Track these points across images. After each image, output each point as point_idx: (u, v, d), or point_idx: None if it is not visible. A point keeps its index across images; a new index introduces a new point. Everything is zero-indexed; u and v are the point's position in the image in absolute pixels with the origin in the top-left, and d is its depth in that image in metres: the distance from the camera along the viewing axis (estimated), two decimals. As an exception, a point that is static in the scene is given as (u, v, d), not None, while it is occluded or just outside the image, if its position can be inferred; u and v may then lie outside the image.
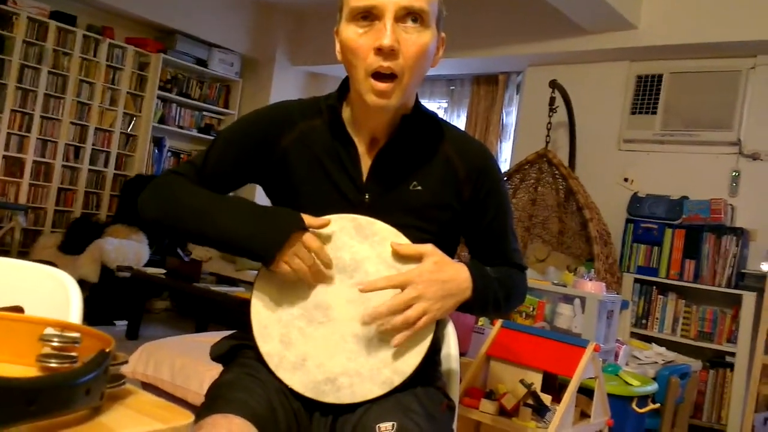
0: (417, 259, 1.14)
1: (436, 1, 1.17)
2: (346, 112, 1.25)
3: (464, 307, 1.19)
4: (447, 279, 1.14)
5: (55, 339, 0.74)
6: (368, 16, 1.12)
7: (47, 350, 0.75)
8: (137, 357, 2.59)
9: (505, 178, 4.54)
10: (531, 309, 2.71)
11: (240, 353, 1.24)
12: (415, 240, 1.16)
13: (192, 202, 1.17)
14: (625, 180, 4.51)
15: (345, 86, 1.26)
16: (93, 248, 4.79)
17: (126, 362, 0.71)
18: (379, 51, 1.10)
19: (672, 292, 4.10)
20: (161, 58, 5.83)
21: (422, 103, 1.27)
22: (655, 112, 4.43)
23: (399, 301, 1.11)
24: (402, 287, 1.12)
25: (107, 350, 0.67)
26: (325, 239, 1.15)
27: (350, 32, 1.14)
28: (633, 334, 3.95)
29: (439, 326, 1.29)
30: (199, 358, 2.39)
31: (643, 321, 4.14)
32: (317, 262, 1.12)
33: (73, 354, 0.75)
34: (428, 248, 1.15)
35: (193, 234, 1.17)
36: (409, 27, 1.12)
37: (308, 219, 1.13)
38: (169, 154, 6.23)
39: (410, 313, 1.10)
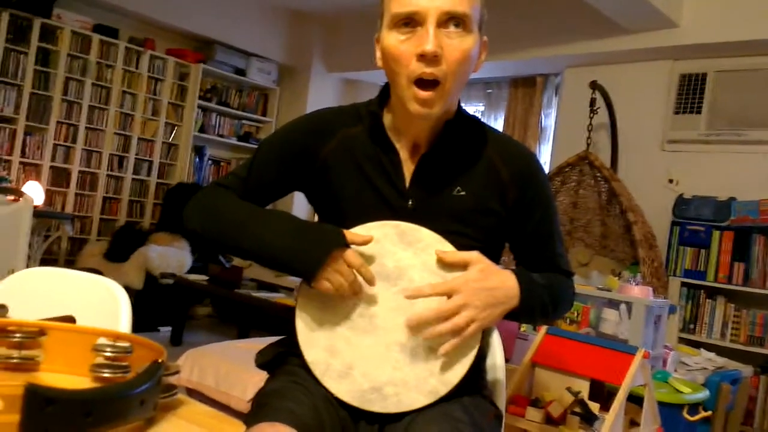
0: (462, 266, 1.13)
1: (478, 5, 1.15)
2: (387, 119, 1.24)
3: (511, 315, 1.16)
4: (493, 287, 1.12)
5: (108, 349, 0.75)
6: (410, 22, 1.11)
7: (100, 360, 0.76)
8: (182, 363, 2.63)
9: (546, 181, 4.48)
10: (575, 315, 2.66)
11: (286, 361, 1.24)
12: (459, 246, 1.14)
13: (235, 217, 1.18)
14: (670, 181, 4.41)
15: (385, 92, 1.25)
16: (137, 256, 4.88)
17: (178, 372, 0.71)
18: (422, 57, 1.09)
19: (721, 295, 3.99)
20: (201, 68, 5.93)
21: (464, 107, 1.26)
22: (699, 112, 4.33)
23: (445, 308, 1.09)
24: (448, 295, 1.10)
25: (160, 360, 0.67)
26: (368, 255, 1.14)
27: (392, 39, 1.13)
28: (681, 340, 3.86)
29: (484, 335, 1.27)
30: (243, 364, 2.41)
31: (691, 326, 4.04)
32: (359, 278, 1.11)
33: (126, 364, 0.76)
34: (474, 255, 1.13)
35: (235, 248, 1.18)
36: (452, 32, 1.11)
37: (350, 235, 1.11)
38: (210, 162, 6.32)
39: (458, 321, 1.09)
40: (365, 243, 1.12)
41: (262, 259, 1.15)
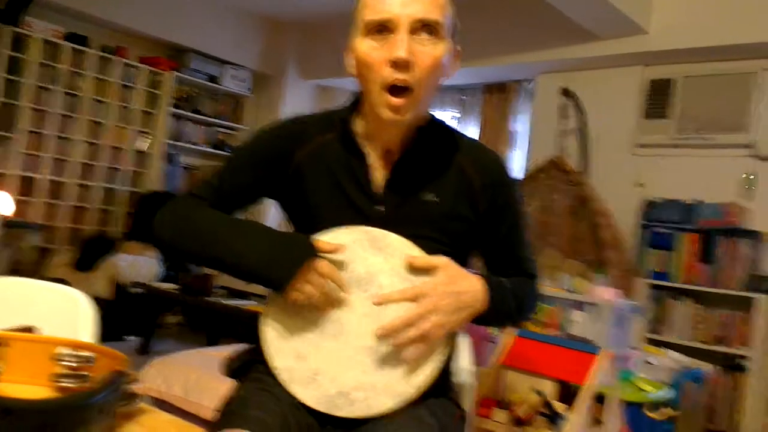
0: (431, 271, 1.14)
1: (450, 13, 1.17)
2: (359, 125, 1.25)
3: (479, 319, 1.18)
4: (461, 291, 1.14)
5: (69, 359, 0.75)
6: (383, 29, 1.12)
7: (61, 370, 0.76)
8: (148, 373, 2.58)
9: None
10: (544, 317, 2.70)
11: (253, 368, 1.24)
12: (430, 251, 1.15)
13: (206, 227, 1.17)
14: (639, 185, 4.48)
15: (357, 99, 1.26)
16: (106, 265, 4.82)
17: (136, 380, 0.72)
18: (394, 64, 1.10)
19: (686, 296, 4.06)
20: (174, 76, 5.89)
21: (435, 114, 1.27)
22: (668, 117, 4.40)
23: (413, 315, 1.10)
24: (416, 300, 1.11)
25: (120, 369, 0.68)
26: (339, 261, 1.15)
27: (365, 46, 1.14)
28: (647, 340, 3.91)
29: (452, 338, 1.28)
30: (212, 372, 2.37)
31: (657, 326, 4.10)
32: (331, 285, 1.11)
33: (86, 373, 0.76)
34: (442, 260, 1.14)
35: (206, 259, 1.17)
36: (424, 39, 1.12)
37: (321, 244, 1.12)
38: (183, 170, 6.27)
39: (424, 326, 1.10)
40: (335, 251, 1.13)
41: (233, 270, 1.15)
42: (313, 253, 1.11)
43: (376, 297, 1.13)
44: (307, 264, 1.10)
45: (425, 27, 1.12)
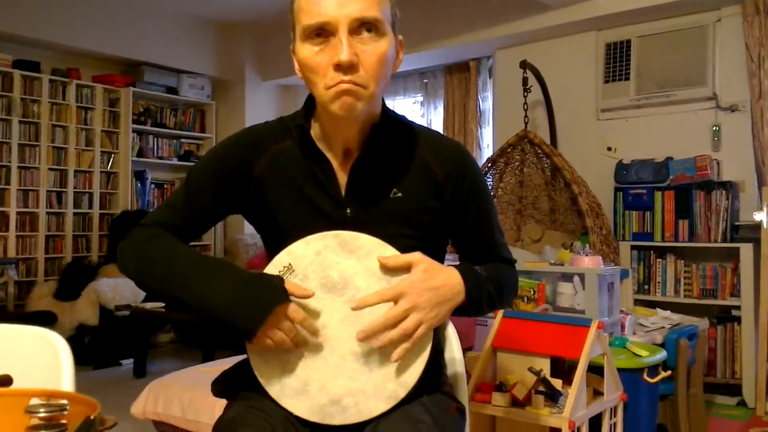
0: (406, 268, 1.13)
1: (388, 6, 1.15)
2: (314, 129, 1.24)
3: (459, 310, 1.17)
4: (438, 285, 1.13)
5: (42, 409, 0.72)
6: (322, 33, 1.10)
7: (35, 422, 0.73)
8: (145, 396, 2.57)
9: (490, 164, 4.53)
10: (532, 292, 2.70)
11: (242, 386, 1.22)
12: (402, 248, 1.14)
13: (168, 266, 1.14)
14: (609, 149, 4.51)
15: (311, 103, 1.24)
16: (89, 291, 4.76)
17: (115, 424, 0.69)
18: (338, 67, 1.08)
19: (670, 254, 4.11)
20: (131, 92, 5.80)
21: (391, 107, 1.26)
22: (628, 78, 4.43)
23: (394, 314, 1.09)
24: (394, 300, 1.10)
25: (92, 417, 0.65)
26: (313, 269, 1.13)
27: (306, 51, 1.12)
28: (637, 301, 3.94)
29: (438, 330, 1.27)
30: (207, 389, 2.35)
31: (646, 286, 4.15)
32: (301, 332, 1.08)
33: (63, 422, 0.73)
34: (416, 257, 1.13)
35: (170, 299, 1.14)
36: (365, 38, 1.11)
37: (291, 287, 1.09)
38: (153, 186, 6.19)
39: (406, 325, 1.09)
40: (306, 297, 1.10)
41: (198, 313, 1.11)
42: (282, 297, 1.07)
43: (353, 301, 1.11)
44: (277, 309, 1.07)
45: (364, 25, 1.10)
